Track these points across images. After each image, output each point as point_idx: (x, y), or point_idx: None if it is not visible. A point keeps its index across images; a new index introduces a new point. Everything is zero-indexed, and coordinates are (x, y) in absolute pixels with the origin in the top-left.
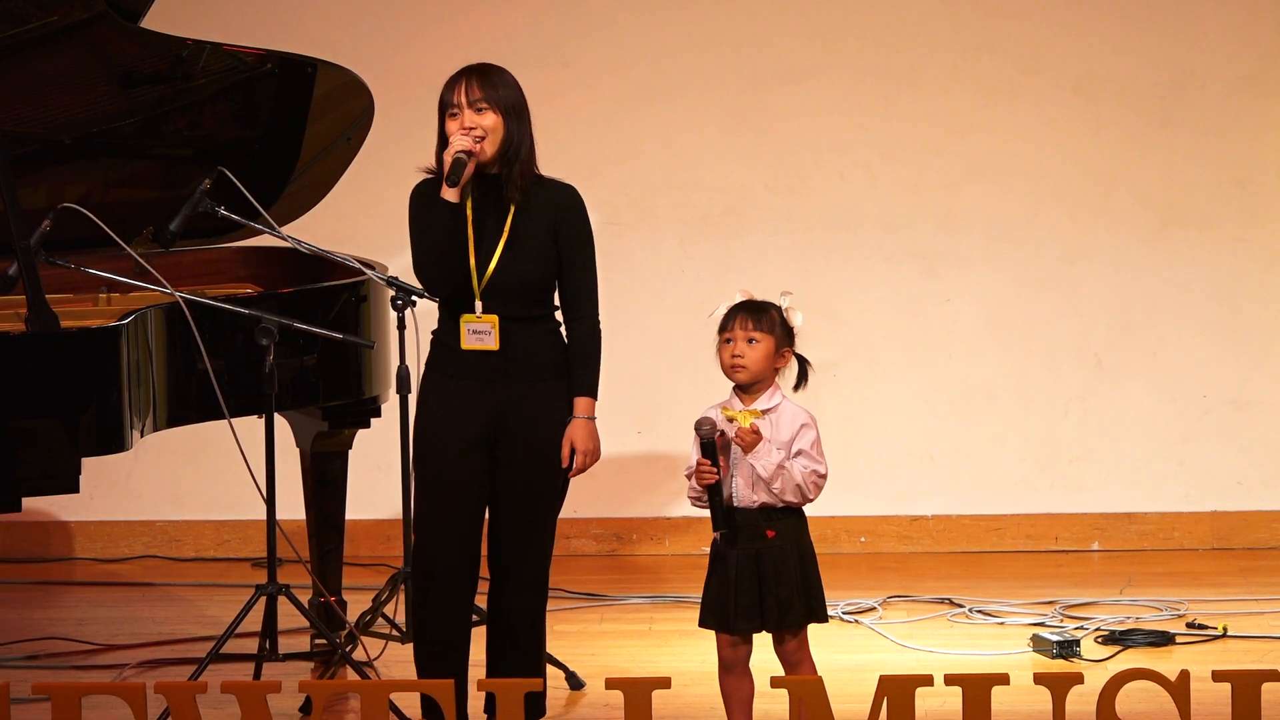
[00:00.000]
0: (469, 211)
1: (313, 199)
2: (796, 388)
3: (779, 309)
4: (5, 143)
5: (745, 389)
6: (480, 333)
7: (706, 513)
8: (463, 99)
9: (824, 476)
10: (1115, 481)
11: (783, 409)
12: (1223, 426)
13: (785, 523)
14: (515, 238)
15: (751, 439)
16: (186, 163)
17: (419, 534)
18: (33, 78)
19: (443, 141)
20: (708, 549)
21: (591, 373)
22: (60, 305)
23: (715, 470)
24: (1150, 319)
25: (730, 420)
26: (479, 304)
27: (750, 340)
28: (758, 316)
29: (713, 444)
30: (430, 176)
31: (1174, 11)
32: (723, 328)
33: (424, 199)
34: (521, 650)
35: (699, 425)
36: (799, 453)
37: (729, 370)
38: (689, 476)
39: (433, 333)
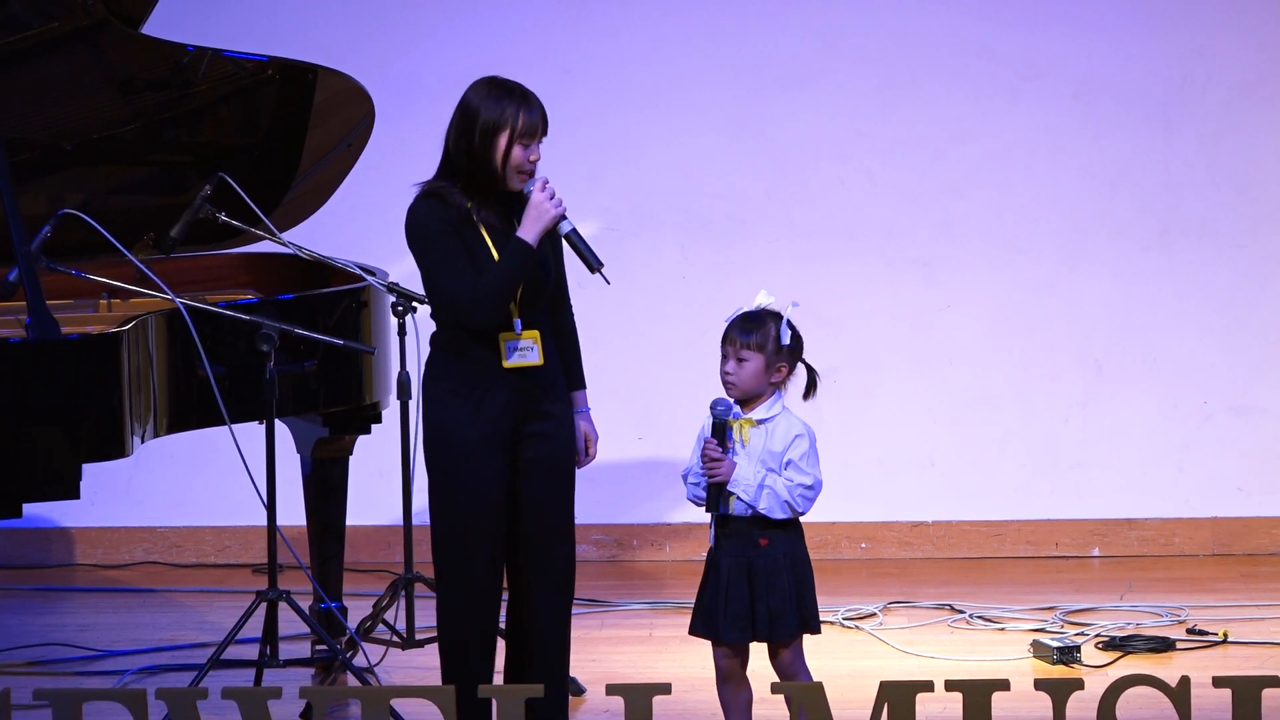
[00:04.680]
0: (483, 231)
1: (314, 205)
2: (805, 397)
3: (777, 323)
4: (6, 149)
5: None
6: (523, 349)
7: (708, 520)
8: (541, 129)
9: (812, 488)
10: (1115, 487)
11: (779, 420)
12: (1223, 433)
13: (778, 533)
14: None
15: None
16: (187, 169)
17: (455, 549)
18: (34, 84)
19: (474, 153)
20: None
21: (581, 361)
22: (61, 311)
23: (722, 452)
24: (1150, 325)
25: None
26: (518, 321)
27: (740, 359)
28: (750, 334)
29: (724, 425)
30: (432, 196)
31: (1175, 17)
32: (723, 338)
33: (446, 224)
34: (552, 657)
35: (714, 404)
36: (788, 463)
37: (722, 384)
38: (685, 477)
39: (439, 341)
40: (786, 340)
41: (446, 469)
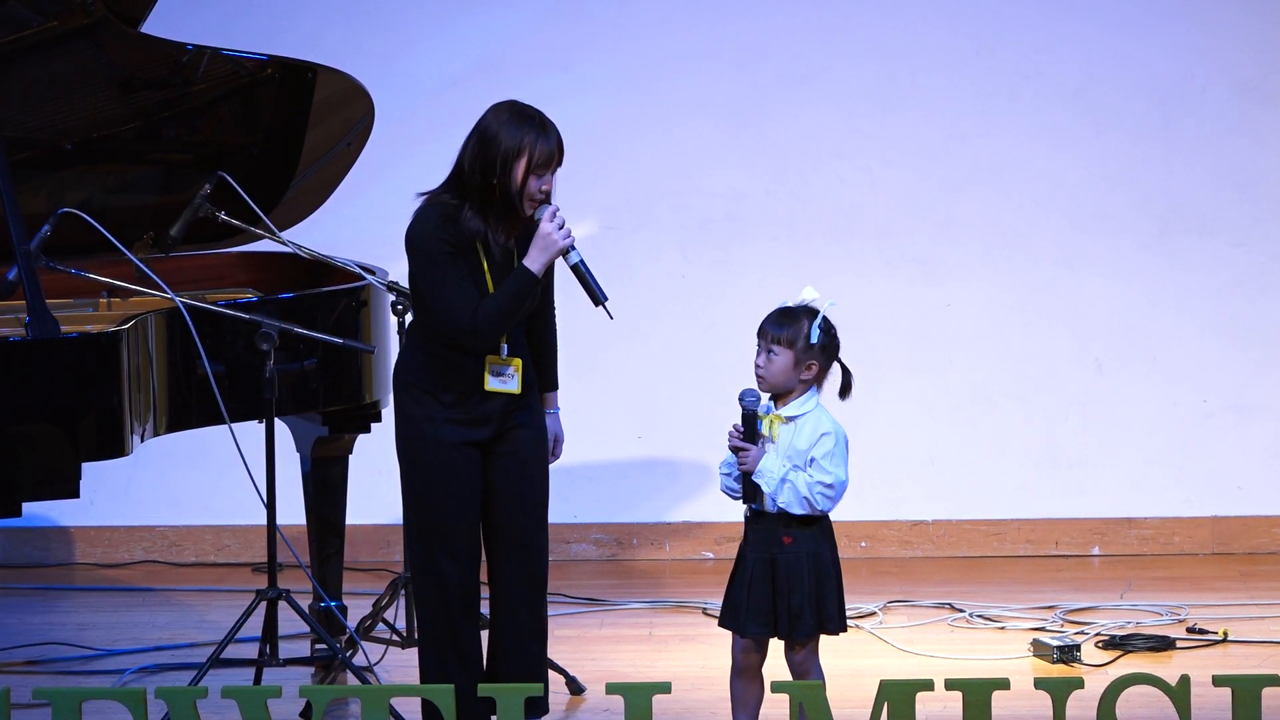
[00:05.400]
0: (481, 254)
1: (313, 204)
2: (842, 396)
3: (810, 320)
4: (6, 148)
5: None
6: (504, 375)
7: (708, 518)
8: (556, 159)
9: (832, 486)
10: (1115, 486)
11: (808, 418)
12: (1223, 431)
13: (804, 532)
14: None
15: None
16: (187, 168)
17: (430, 548)
18: (34, 83)
19: (488, 177)
20: (708, 554)
21: (556, 365)
22: (61, 311)
23: (746, 443)
24: (1150, 324)
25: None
26: (505, 346)
27: (770, 352)
28: (781, 328)
29: (753, 416)
30: (440, 212)
31: (1174, 16)
32: (758, 330)
33: (450, 244)
34: (529, 652)
35: (742, 395)
36: (811, 460)
37: (755, 376)
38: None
39: (425, 344)
40: (815, 339)
41: (421, 468)
